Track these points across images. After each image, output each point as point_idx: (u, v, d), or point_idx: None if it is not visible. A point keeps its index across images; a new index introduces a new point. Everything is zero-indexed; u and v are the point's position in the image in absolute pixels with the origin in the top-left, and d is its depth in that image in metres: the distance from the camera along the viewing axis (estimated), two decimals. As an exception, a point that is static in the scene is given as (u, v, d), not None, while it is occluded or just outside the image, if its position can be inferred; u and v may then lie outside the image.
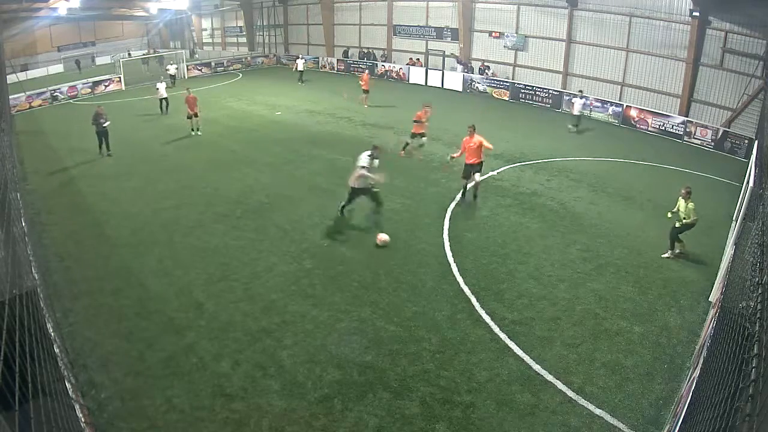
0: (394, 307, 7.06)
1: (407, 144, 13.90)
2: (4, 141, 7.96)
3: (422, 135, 13.82)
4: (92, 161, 14.01)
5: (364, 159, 9.35)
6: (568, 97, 19.78)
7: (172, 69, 27.99)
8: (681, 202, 8.23)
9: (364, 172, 9.24)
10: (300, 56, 30.42)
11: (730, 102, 15.81)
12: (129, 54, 39.39)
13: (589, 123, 17.91)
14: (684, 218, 8.13)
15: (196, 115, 16.44)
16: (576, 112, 16.88)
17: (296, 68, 28.19)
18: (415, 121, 13.71)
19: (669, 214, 8.46)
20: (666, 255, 8.48)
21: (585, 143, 15.57)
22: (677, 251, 8.47)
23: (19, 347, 2.56)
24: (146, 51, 42.82)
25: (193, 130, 16.63)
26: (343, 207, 9.82)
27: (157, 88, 20.01)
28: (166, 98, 19.96)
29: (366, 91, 20.76)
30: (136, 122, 18.59)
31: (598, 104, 19.02)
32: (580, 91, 17.84)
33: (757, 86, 14.90)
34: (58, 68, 37.96)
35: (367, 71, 24.08)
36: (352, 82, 27.30)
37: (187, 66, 31.23)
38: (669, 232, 8.43)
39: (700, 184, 12.09)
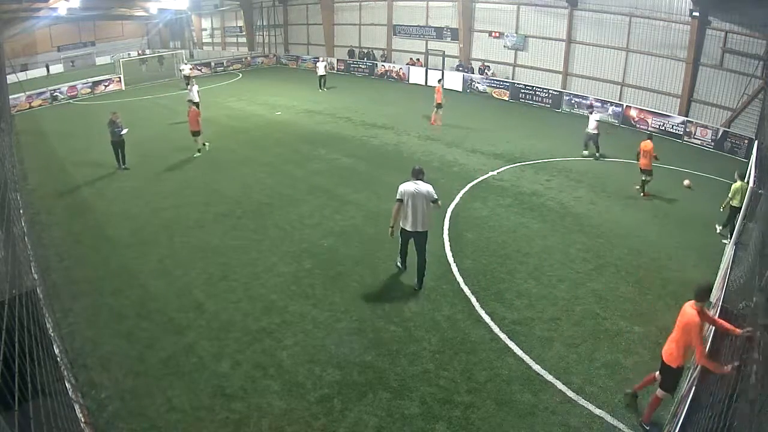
0: (394, 307, 7.05)
1: (645, 182, 11.25)
2: (4, 141, 7.96)
3: (649, 172, 11.11)
4: (92, 161, 14.00)
5: (430, 188, 7.17)
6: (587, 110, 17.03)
7: (186, 69, 26.72)
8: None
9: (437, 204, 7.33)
10: (321, 58, 27.89)
11: (730, 102, 15.80)
12: (128, 54, 39.36)
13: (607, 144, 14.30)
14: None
15: (197, 133, 14.37)
16: (592, 129, 13.74)
17: (317, 72, 25.12)
18: (652, 156, 10.97)
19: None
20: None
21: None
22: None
23: (18, 347, 2.56)
24: (139, 52, 42.67)
25: (199, 150, 14.54)
26: (403, 261, 7.89)
27: (189, 90, 18.45)
28: (197, 102, 18.20)
29: (439, 105, 17.15)
30: (134, 122, 18.57)
31: (598, 104, 19.01)
32: (592, 105, 14.83)
33: (757, 86, 14.90)
34: (58, 68, 38.01)
35: (441, 81, 18.46)
36: (363, 85, 27.36)
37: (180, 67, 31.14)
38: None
39: (700, 184, 12.10)
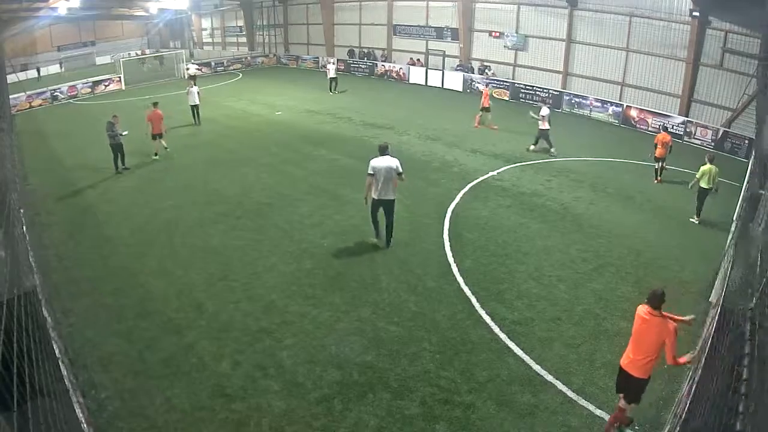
0: (394, 307, 7.05)
1: (661, 170, 12.18)
2: (5, 141, 7.96)
3: (663, 160, 12.09)
4: (92, 161, 13.99)
5: (397, 161, 8.22)
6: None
7: (192, 69, 26.08)
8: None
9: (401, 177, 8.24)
10: (331, 60, 27.04)
11: (730, 102, 15.80)
12: (129, 54, 39.36)
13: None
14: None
15: (160, 136, 13.92)
16: (547, 124, 13.91)
17: (327, 74, 24.35)
18: (669, 146, 12.02)
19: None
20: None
21: (585, 143, 15.56)
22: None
23: (18, 347, 2.56)
24: (138, 52, 42.70)
25: (156, 153, 13.96)
26: (377, 231, 8.69)
27: (188, 93, 17.62)
28: (197, 105, 17.70)
29: (486, 109, 16.94)
30: (135, 122, 18.56)
31: (598, 104, 19.03)
32: (543, 101, 16.10)
33: (757, 86, 14.88)
34: (57, 68, 38.00)
35: (489, 85, 17.88)
36: (363, 85, 27.33)
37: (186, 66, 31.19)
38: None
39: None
